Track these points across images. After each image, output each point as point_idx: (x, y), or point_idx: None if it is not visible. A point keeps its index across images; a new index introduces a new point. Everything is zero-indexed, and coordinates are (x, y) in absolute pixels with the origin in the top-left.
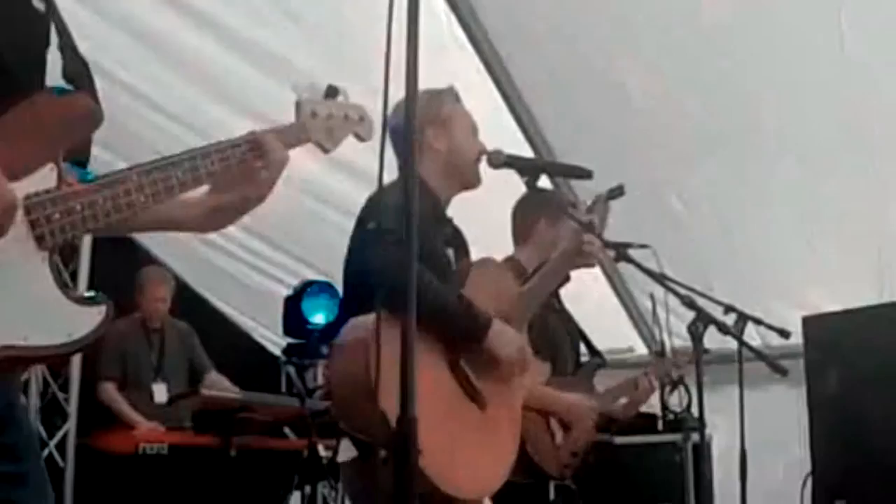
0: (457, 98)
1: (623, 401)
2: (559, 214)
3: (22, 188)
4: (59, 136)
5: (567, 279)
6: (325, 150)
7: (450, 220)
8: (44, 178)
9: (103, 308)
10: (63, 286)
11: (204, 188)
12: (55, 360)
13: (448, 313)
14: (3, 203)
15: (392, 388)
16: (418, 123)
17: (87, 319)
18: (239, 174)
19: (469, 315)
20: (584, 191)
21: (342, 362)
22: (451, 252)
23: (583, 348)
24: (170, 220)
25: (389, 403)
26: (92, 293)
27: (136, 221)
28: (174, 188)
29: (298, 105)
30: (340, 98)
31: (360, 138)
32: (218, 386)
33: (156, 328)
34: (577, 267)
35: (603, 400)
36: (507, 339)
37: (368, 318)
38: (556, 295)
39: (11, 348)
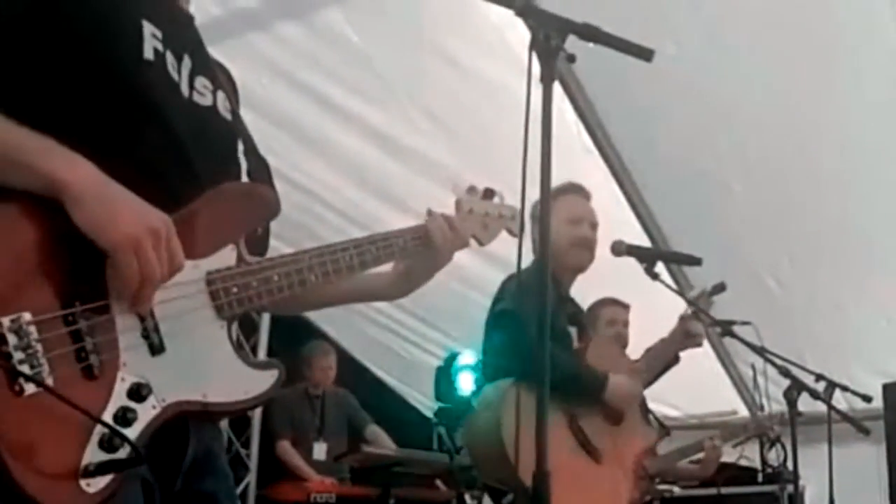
0: (561, 192)
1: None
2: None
3: (205, 265)
4: (241, 221)
5: (676, 360)
6: (480, 243)
7: (571, 301)
8: (225, 257)
9: (276, 371)
10: (240, 351)
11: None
12: (234, 414)
13: (570, 376)
14: (179, 266)
15: (516, 442)
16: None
17: (261, 381)
18: (419, 252)
19: (588, 374)
20: (695, 274)
21: (478, 422)
22: (573, 330)
23: None
24: (361, 291)
25: (514, 454)
26: (266, 359)
27: (322, 295)
28: (342, 270)
29: (458, 203)
30: (496, 199)
31: (512, 233)
32: (378, 438)
33: (317, 395)
34: (685, 348)
35: (663, 461)
36: (624, 388)
37: (499, 385)
38: None
39: (192, 403)
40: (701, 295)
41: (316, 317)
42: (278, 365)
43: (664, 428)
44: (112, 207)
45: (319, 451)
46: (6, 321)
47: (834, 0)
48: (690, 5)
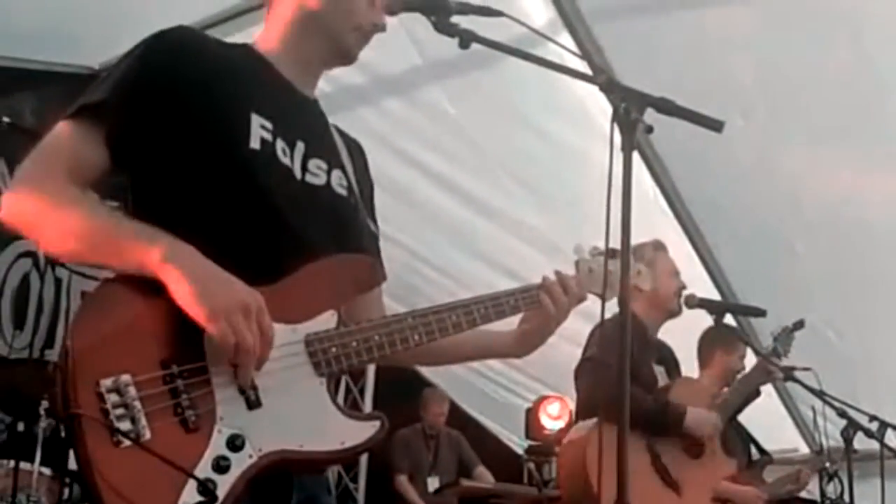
0: (658, 247)
1: (789, 487)
2: (734, 345)
3: (303, 329)
4: (343, 289)
5: (758, 393)
6: (604, 300)
7: (659, 344)
8: (325, 321)
9: (377, 423)
10: (337, 404)
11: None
12: (334, 463)
13: (651, 412)
14: (266, 336)
15: (602, 479)
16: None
17: (360, 431)
18: (535, 312)
19: (666, 410)
20: (760, 324)
21: (567, 458)
22: (661, 369)
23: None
24: (485, 349)
25: (601, 491)
26: (371, 412)
27: (449, 354)
28: (447, 328)
29: (577, 263)
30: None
31: (639, 289)
32: (482, 477)
33: (432, 435)
34: (765, 383)
35: (771, 487)
36: (702, 419)
37: (584, 423)
38: None
39: (289, 452)
40: (783, 331)
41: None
42: (381, 417)
43: (767, 455)
44: (206, 285)
45: (433, 484)
46: (107, 382)
47: (882, 70)
48: (756, 82)
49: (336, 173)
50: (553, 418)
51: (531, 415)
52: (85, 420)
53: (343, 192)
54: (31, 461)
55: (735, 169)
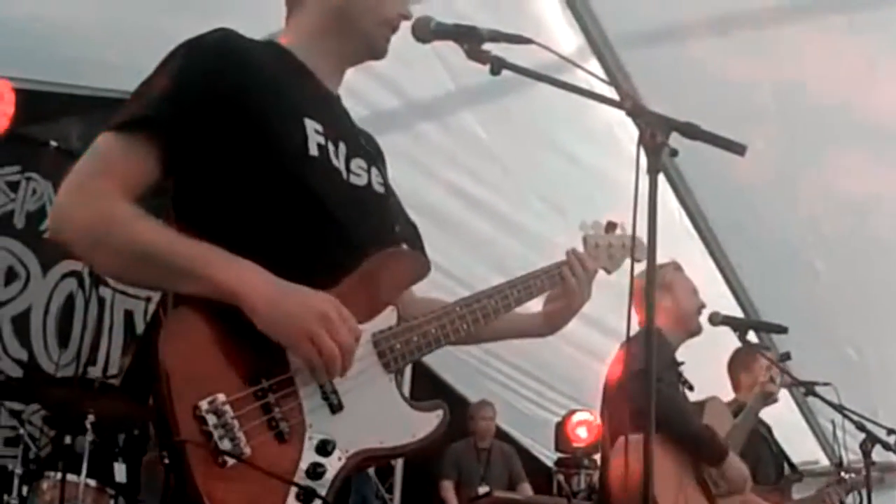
0: (677, 268)
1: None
2: (751, 362)
3: (370, 327)
4: (397, 284)
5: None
6: (608, 272)
7: (680, 364)
8: (387, 317)
9: (440, 412)
10: (405, 397)
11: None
12: (408, 453)
13: (698, 439)
14: (355, 337)
15: (660, 490)
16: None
17: (427, 422)
18: (559, 290)
19: (713, 443)
20: (782, 341)
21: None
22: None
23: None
24: (518, 330)
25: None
26: (432, 401)
27: (486, 335)
28: (489, 315)
29: (585, 239)
30: (619, 231)
31: (637, 260)
32: (522, 493)
33: (484, 448)
34: (766, 405)
35: None
36: (737, 469)
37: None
38: (764, 424)
39: (371, 450)
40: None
41: (452, 380)
42: (442, 405)
43: (797, 472)
44: (283, 307)
45: (483, 492)
46: (204, 404)
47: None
48: (777, 107)
49: (374, 171)
50: (581, 431)
51: (560, 428)
52: (190, 445)
53: (381, 189)
54: (78, 473)
55: (757, 191)
